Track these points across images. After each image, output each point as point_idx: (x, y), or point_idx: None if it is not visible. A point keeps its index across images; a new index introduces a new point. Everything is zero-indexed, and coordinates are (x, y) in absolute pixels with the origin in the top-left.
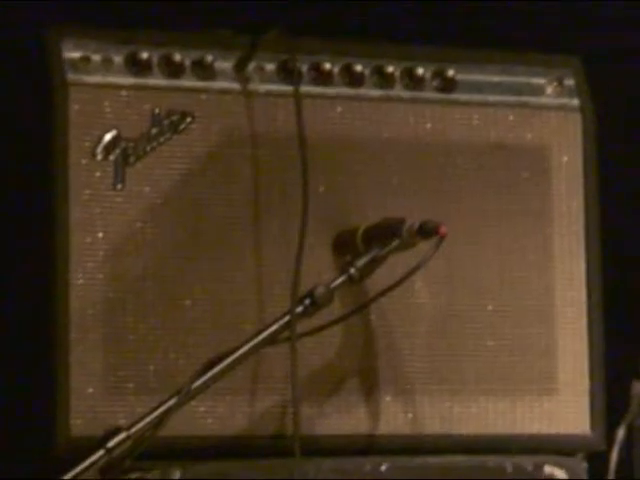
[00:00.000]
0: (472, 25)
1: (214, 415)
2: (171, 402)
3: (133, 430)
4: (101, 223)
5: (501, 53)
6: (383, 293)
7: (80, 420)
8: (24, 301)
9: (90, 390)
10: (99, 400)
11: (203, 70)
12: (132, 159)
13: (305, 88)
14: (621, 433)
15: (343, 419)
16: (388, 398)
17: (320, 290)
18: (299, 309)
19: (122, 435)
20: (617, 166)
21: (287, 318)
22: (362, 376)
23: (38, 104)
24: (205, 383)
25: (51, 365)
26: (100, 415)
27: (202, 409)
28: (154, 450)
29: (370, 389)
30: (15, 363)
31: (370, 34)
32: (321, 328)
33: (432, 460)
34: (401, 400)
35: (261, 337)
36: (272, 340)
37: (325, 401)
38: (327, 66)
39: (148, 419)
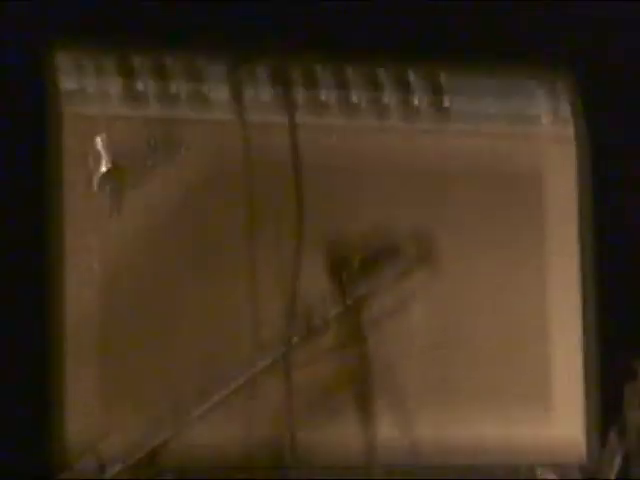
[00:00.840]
0: (466, 48)
1: (211, 442)
2: (167, 432)
3: (130, 460)
4: (97, 251)
5: (497, 82)
6: (379, 320)
7: (75, 434)
8: (21, 321)
9: (85, 405)
10: (94, 415)
11: (199, 100)
12: (128, 188)
13: (300, 118)
14: (614, 437)
15: (341, 448)
16: (385, 424)
17: (316, 317)
18: (295, 338)
19: (118, 467)
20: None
21: (283, 347)
22: (358, 402)
23: (33, 135)
24: (201, 410)
25: (46, 379)
26: (95, 429)
27: (198, 436)
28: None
29: (366, 415)
30: (11, 377)
31: (366, 63)
32: (317, 358)
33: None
34: (399, 426)
35: (257, 365)
36: (268, 368)
37: (322, 429)
38: (323, 96)
39: (144, 451)
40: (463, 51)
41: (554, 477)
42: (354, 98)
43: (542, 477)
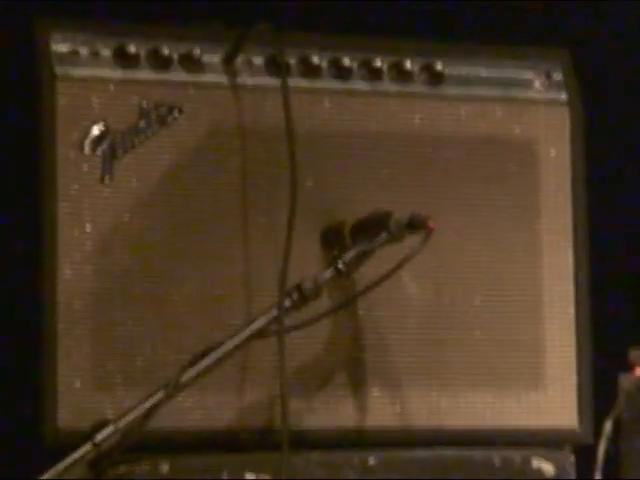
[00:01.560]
0: (460, 18)
1: (202, 408)
2: (159, 395)
3: (121, 423)
4: (89, 216)
5: (489, 47)
6: (371, 287)
7: (67, 413)
8: (12, 293)
9: (77, 383)
10: (86, 393)
11: (191, 63)
12: (120, 152)
13: (293, 82)
14: (609, 426)
15: (331, 413)
16: (376, 391)
17: (308, 284)
18: (287, 303)
19: (110, 428)
20: (605, 159)
21: (275, 311)
22: (350, 369)
23: (25, 97)
24: (193, 377)
25: (38, 358)
26: (88, 408)
27: (190, 402)
28: (142, 443)
29: (358, 382)
30: (3, 355)
31: (358, 28)
32: (309, 322)
33: (420, 453)
34: (389, 393)
35: (249, 331)
36: (260, 334)
37: (313, 395)
38: (315, 60)
39: (136, 412)
40: (457, 27)
41: (551, 470)
42: (346, 62)
43: (538, 466)
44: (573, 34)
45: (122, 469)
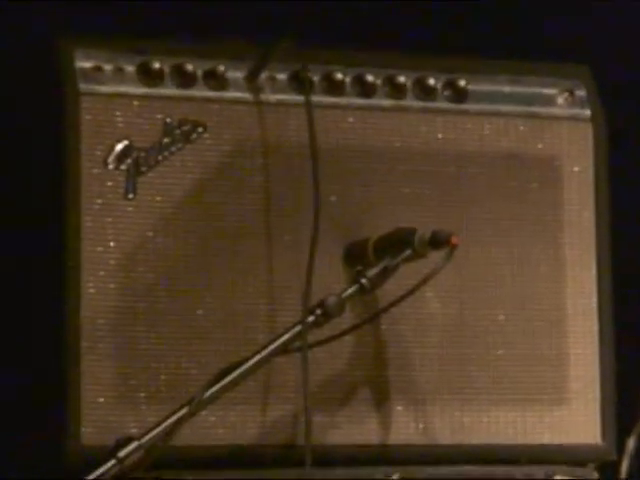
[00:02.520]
0: (483, 34)
1: (226, 424)
2: (182, 412)
3: (145, 440)
4: (113, 232)
5: (512, 63)
6: (394, 303)
7: (91, 429)
8: (36, 309)
9: (101, 399)
10: (110, 409)
11: (215, 80)
12: (144, 168)
13: (317, 98)
14: (632, 443)
15: (354, 429)
16: (399, 408)
17: (331, 300)
18: (310, 319)
19: (134, 445)
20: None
21: (298, 328)
22: (373, 386)
23: (51, 113)
24: (216, 392)
25: (62, 374)
26: (111, 424)
27: (213, 418)
28: (166, 459)
29: (381, 399)
30: (27, 372)
31: (382, 44)
32: (333, 338)
33: (443, 470)
34: (412, 410)
35: (273, 347)
36: (284, 350)
37: (336, 411)
38: (339, 76)
39: (159, 429)
40: (480, 44)
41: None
42: (370, 78)
43: None
44: (596, 50)
45: None
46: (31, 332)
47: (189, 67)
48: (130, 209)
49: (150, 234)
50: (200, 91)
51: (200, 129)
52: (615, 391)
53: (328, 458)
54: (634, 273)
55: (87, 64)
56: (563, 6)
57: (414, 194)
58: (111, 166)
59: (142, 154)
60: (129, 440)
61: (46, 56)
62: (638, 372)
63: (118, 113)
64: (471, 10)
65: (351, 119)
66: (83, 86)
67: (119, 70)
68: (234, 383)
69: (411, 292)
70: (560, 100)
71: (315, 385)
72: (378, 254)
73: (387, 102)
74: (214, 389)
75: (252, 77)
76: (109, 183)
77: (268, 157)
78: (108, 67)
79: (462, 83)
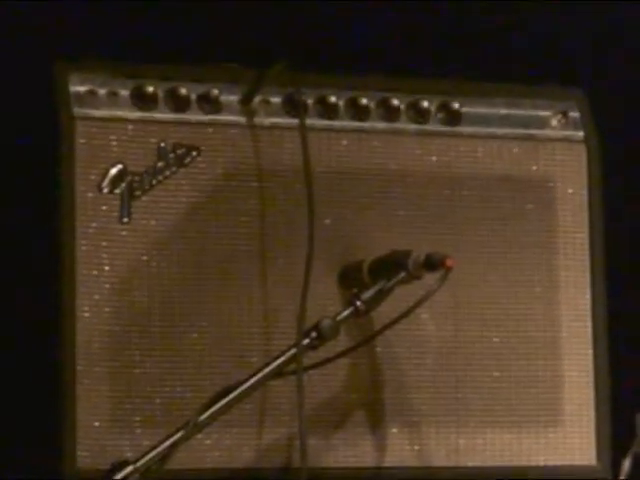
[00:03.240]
0: (476, 57)
1: (221, 448)
2: (178, 435)
3: (140, 463)
4: (107, 256)
5: (506, 86)
6: (389, 325)
7: (87, 453)
8: (31, 333)
9: (97, 423)
10: (106, 433)
11: (209, 104)
12: (138, 192)
13: (311, 121)
14: (627, 464)
15: (350, 451)
16: (394, 430)
17: (326, 323)
18: (305, 342)
19: (129, 468)
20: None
21: (293, 351)
22: (368, 408)
23: (45, 137)
24: (212, 416)
25: (57, 398)
26: (107, 448)
27: (209, 442)
28: None
29: (376, 421)
30: (22, 395)
31: (375, 68)
32: (328, 361)
33: None
34: (407, 432)
35: (268, 370)
36: (279, 373)
37: (332, 433)
38: (333, 99)
39: (155, 452)
40: (474, 67)
41: None
42: (363, 101)
43: None
44: (588, 72)
45: None
46: (27, 355)
47: (183, 91)
48: (125, 233)
49: (145, 258)
50: (194, 115)
51: (194, 153)
52: (610, 412)
53: None
54: (628, 294)
55: (81, 88)
56: (557, 29)
57: (409, 216)
58: (105, 190)
59: (136, 178)
60: (124, 464)
61: (41, 80)
62: (633, 393)
63: (112, 137)
64: (464, 33)
65: (345, 142)
66: (77, 110)
67: (113, 94)
68: (229, 406)
69: (406, 314)
70: (554, 122)
71: (310, 408)
72: (373, 276)
73: (381, 125)
74: (209, 412)
75: (246, 101)
76: (104, 207)
77: (262, 180)
78: (102, 91)
79: (456, 106)
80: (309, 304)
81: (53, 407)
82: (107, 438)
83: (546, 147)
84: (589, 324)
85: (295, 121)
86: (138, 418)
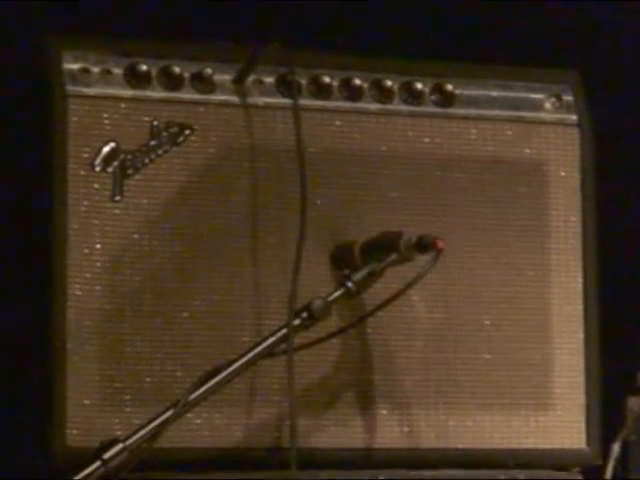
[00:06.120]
0: (470, 39)
1: (211, 427)
2: (168, 414)
3: (130, 442)
4: (99, 234)
5: (500, 68)
6: (380, 307)
7: (76, 431)
8: (21, 311)
9: (86, 401)
10: (95, 411)
11: (202, 83)
12: (130, 171)
13: (304, 101)
14: (616, 448)
15: (339, 432)
16: (384, 411)
17: (317, 303)
18: (296, 322)
19: (118, 446)
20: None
21: (284, 331)
22: (359, 389)
23: (37, 115)
24: (202, 395)
25: (47, 375)
26: (96, 426)
27: (199, 421)
28: (151, 461)
29: (366, 402)
30: (11, 373)
31: (369, 48)
32: (318, 341)
33: (427, 474)
34: (397, 413)
35: (258, 349)
36: (269, 353)
37: (322, 414)
38: (326, 79)
39: (145, 431)
40: (468, 48)
41: None
42: (357, 82)
43: None
44: (583, 55)
45: None
46: (16, 334)
47: (176, 70)
48: (117, 211)
49: (136, 236)
50: (187, 94)
51: (187, 132)
52: (600, 396)
53: (313, 461)
54: (620, 278)
55: (75, 66)
56: (551, 11)
57: (400, 198)
58: (98, 168)
59: (129, 156)
60: (114, 442)
61: (34, 58)
62: (623, 377)
63: (105, 115)
64: (459, 15)
65: (338, 122)
66: (70, 88)
67: (107, 72)
68: (219, 385)
69: (397, 296)
70: (547, 105)
71: (300, 388)
72: (364, 258)
73: (374, 106)
74: (199, 391)
75: (239, 80)
76: (96, 185)
77: (255, 160)
78: (96, 69)
79: (449, 87)
80: (300, 284)
81: (43, 385)
82: (97, 416)
83: (539, 130)
84: (580, 307)
85: (288, 101)
86: (128, 397)
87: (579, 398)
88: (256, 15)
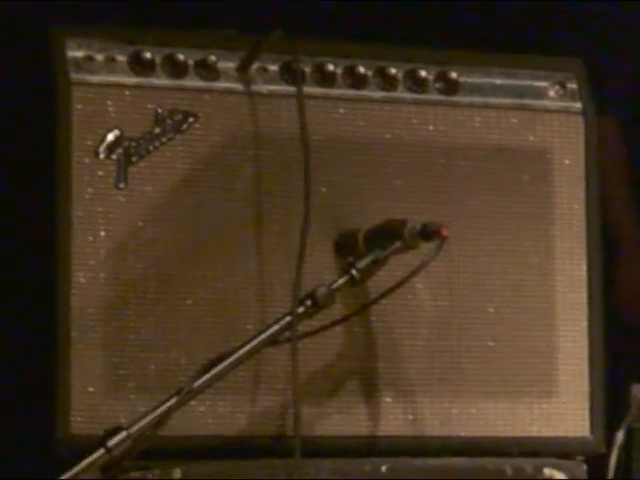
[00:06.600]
0: (475, 27)
1: (215, 415)
2: (172, 402)
3: (133, 429)
4: (103, 222)
5: (504, 56)
6: (384, 295)
7: (80, 418)
8: (26, 299)
9: (90, 389)
10: (99, 399)
11: (206, 70)
12: (135, 158)
13: (308, 89)
14: (620, 436)
15: (343, 420)
16: (388, 399)
17: (321, 291)
18: (300, 310)
19: (122, 434)
20: None
21: (288, 318)
22: (363, 377)
23: (41, 103)
24: (206, 383)
25: (52, 363)
26: (100, 414)
27: (202, 409)
28: (155, 449)
29: (370, 390)
30: (16, 361)
31: (374, 36)
32: (322, 329)
33: (432, 462)
34: (401, 401)
35: (262, 337)
36: (273, 340)
37: (326, 402)
38: (330, 67)
39: (149, 418)
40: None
41: (563, 478)
42: (361, 69)
43: (550, 475)
44: (588, 43)
45: (134, 475)
46: (21, 321)
47: (180, 57)
48: (121, 199)
49: (140, 224)
50: (191, 81)
51: (191, 119)
52: (604, 384)
53: (317, 449)
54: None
55: (79, 53)
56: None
57: (405, 186)
58: (102, 156)
59: (133, 144)
60: (118, 430)
61: (38, 45)
62: (627, 365)
63: (109, 103)
64: (464, 2)
65: (342, 110)
66: (74, 75)
67: (111, 60)
68: (223, 373)
69: (401, 284)
70: (552, 93)
71: (304, 376)
72: (368, 245)
73: (378, 94)
74: (203, 379)
75: (243, 68)
76: (100, 173)
77: (259, 148)
78: (100, 57)
79: (454, 75)
80: (304, 272)
81: (47, 372)
82: (101, 404)
83: (543, 118)
84: (585, 295)
85: (292, 89)
86: (132, 384)
87: (583, 386)
88: (260, 2)
